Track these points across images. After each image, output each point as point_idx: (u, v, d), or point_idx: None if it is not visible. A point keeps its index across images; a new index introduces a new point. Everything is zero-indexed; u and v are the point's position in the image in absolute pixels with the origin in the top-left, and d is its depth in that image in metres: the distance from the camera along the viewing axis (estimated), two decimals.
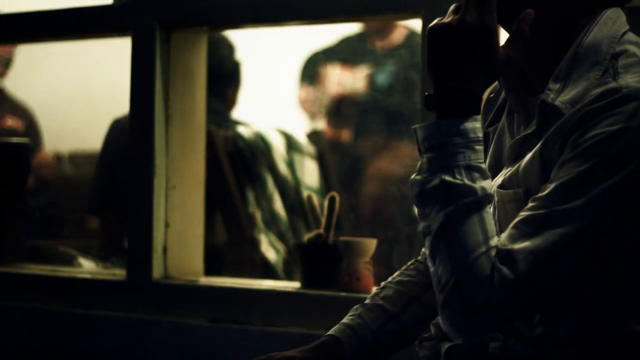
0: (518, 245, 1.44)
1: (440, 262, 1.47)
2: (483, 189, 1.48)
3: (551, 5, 1.57)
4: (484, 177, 1.49)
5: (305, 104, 4.03)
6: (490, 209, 1.49)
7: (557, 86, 1.54)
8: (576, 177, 1.44)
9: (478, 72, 1.51)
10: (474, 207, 1.47)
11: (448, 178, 1.48)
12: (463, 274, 1.45)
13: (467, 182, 1.47)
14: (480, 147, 1.50)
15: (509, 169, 1.60)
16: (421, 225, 1.52)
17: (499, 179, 1.61)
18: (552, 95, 1.53)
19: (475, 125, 1.50)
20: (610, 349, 1.53)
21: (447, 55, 1.51)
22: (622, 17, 1.59)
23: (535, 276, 1.44)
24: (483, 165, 1.50)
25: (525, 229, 1.45)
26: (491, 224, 1.48)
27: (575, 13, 1.58)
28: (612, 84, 1.48)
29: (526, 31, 1.53)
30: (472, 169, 1.48)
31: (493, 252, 1.45)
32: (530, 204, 1.47)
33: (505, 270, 1.43)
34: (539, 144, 1.53)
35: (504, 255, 1.44)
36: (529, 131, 1.58)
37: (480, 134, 1.51)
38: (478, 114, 1.52)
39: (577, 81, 1.52)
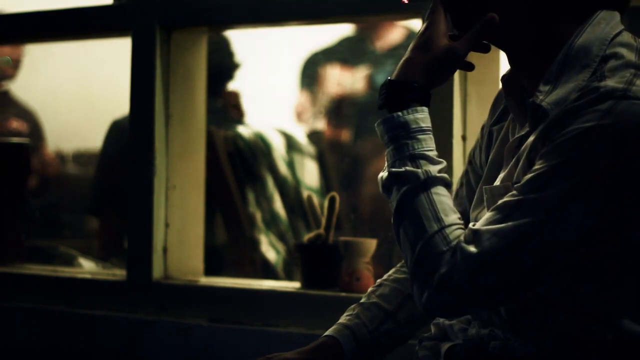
0: (485, 227, 1.49)
1: (402, 244, 1.56)
2: (427, 172, 1.55)
3: (542, 11, 1.58)
4: (430, 162, 1.57)
5: (301, 115, 4.03)
6: (441, 190, 1.56)
7: (547, 88, 1.55)
8: (548, 170, 1.47)
9: (416, 65, 1.59)
10: (419, 189, 1.55)
11: (394, 169, 1.57)
12: (420, 252, 1.52)
13: (409, 168, 1.56)
14: (424, 136, 1.58)
15: (505, 170, 1.62)
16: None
17: (497, 180, 1.63)
18: (540, 97, 1.55)
19: (416, 116, 1.58)
20: (610, 348, 1.53)
21: None
22: (616, 18, 1.59)
23: (496, 256, 1.47)
24: (429, 152, 1.57)
25: (497, 214, 1.49)
26: (442, 204, 1.54)
27: (567, 19, 1.58)
28: (595, 85, 1.49)
29: (486, 34, 1.59)
30: (416, 158, 1.57)
31: (448, 230, 1.51)
32: (509, 192, 1.51)
33: (470, 248, 1.48)
34: (528, 145, 1.55)
35: (471, 234, 1.49)
36: (523, 133, 1.60)
37: (424, 124, 1.59)
38: (423, 105, 1.60)
39: (566, 83, 1.53)
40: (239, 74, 3.58)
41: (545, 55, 1.58)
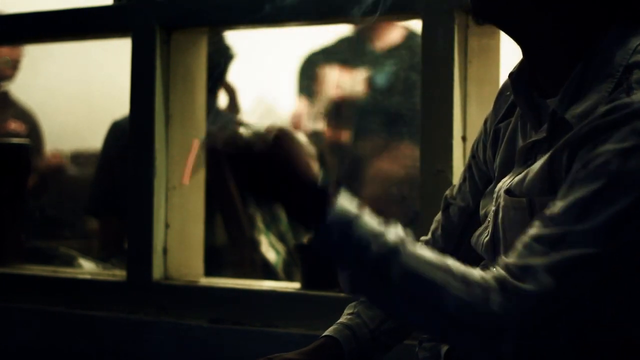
0: (535, 261, 1.40)
1: (418, 320, 1.44)
2: (397, 237, 1.44)
3: (563, 16, 1.54)
4: (389, 229, 1.44)
5: (298, 124, 4.02)
6: (417, 245, 1.45)
7: (568, 97, 1.51)
8: (589, 196, 1.40)
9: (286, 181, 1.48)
10: (402, 256, 1.42)
11: (366, 260, 1.43)
12: (456, 310, 1.39)
13: (380, 249, 1.42)
14: (363, 216, 1.44)
15: (517, 173, 1.59)
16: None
17: (507, 180, 1.60)
18: (562, 107, 1.51)
19: (341, 207, 1.44)
20: (610, 352, 1.52)
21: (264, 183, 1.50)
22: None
23: (555, 290, 1.39)
24: (378, 226, 1.44)
25: (540, 247, 1.41)
26: (431, 252, 1.44)
27: (589, 24, 1.54)
28: (625, 100, 1.44)
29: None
30: (377, 237, 1.43)
31: (468, 274, 1.41)
32: (542, 221, 1.44)
33: (524, 285, 1.39)
34: (546, 157, 1.51)
35: (520, 270, 1.40)
36: (539, 137, 1.56)
37: (350, 206, 1.45)
38: (335, 196, 1.45)
39: (589, 94, 1.49)
40: (237, 74, 3.59)
41: (569, 56, 1.54)
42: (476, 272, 1.42)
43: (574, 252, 1.39)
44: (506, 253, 1.50)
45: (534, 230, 1.44)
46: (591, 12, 1.54)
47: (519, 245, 1.44)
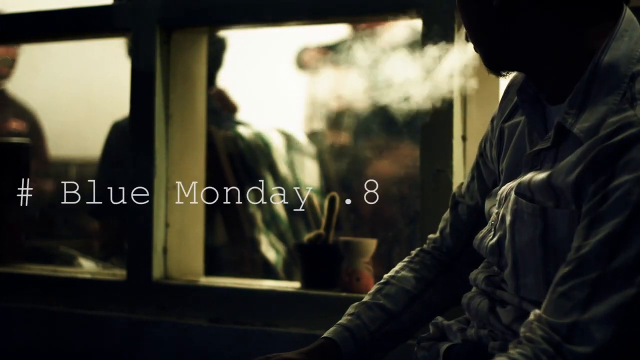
0: (581, 317, 1.38)
1: None
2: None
3: (548, 19, 1.52)
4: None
5: (297, 121, 4.01)
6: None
7: (574, 109, 1.50)
8: (615, 231, 1.39)
9: None
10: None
11: None
12: None
13: None
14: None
15: (523, 176, 1.58)
16: None
17: (515, 182, 1.59)
18: (569, 120, 1.49)
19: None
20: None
21: None
22: (637, 29, 1.53)
23: (613, 342, 1.37)
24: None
25: (579, 296, 1.39)
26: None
27: (574, 23, 1.52)
28: (629, 113, 1.43)
29: None
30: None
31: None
32: (574, 264, 1.41)
33: (579, 348, 1.37)
34: (549, 170, 1.51)
35: (569, 330, 1.38)
36: (544, 146, 1.55)
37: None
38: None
39: (596, 105, 1.48)
40: (236, 74, 3.59)
41: (567, 69, 1.53)
42: (524, 351, 1.40)
43: (615, 297, 1.37)
44: (515, 263, 1.53)
45: (567, 275, 1.41)
46: (575, 18, 1.51)
47: (554, 294, 1.42)
